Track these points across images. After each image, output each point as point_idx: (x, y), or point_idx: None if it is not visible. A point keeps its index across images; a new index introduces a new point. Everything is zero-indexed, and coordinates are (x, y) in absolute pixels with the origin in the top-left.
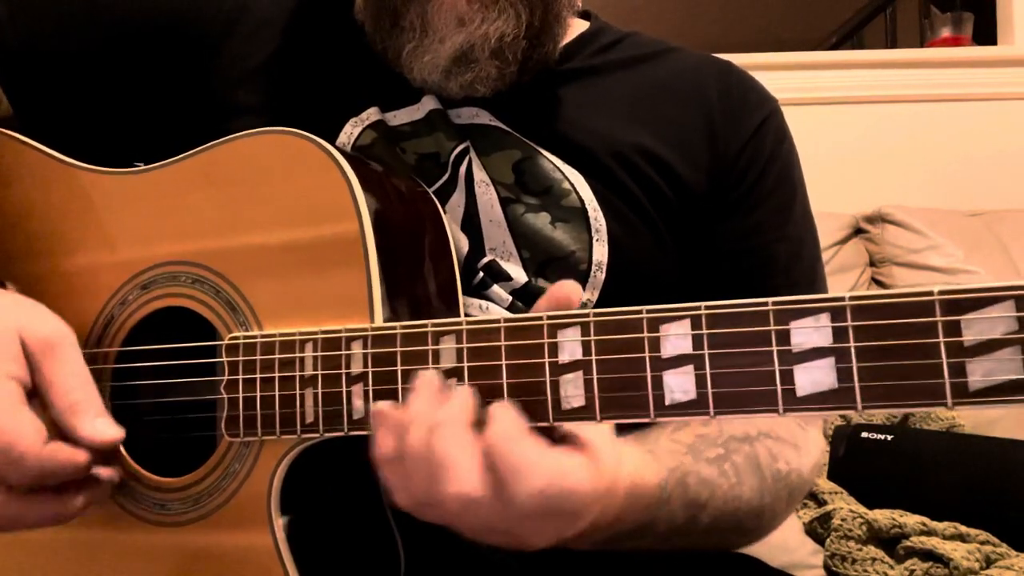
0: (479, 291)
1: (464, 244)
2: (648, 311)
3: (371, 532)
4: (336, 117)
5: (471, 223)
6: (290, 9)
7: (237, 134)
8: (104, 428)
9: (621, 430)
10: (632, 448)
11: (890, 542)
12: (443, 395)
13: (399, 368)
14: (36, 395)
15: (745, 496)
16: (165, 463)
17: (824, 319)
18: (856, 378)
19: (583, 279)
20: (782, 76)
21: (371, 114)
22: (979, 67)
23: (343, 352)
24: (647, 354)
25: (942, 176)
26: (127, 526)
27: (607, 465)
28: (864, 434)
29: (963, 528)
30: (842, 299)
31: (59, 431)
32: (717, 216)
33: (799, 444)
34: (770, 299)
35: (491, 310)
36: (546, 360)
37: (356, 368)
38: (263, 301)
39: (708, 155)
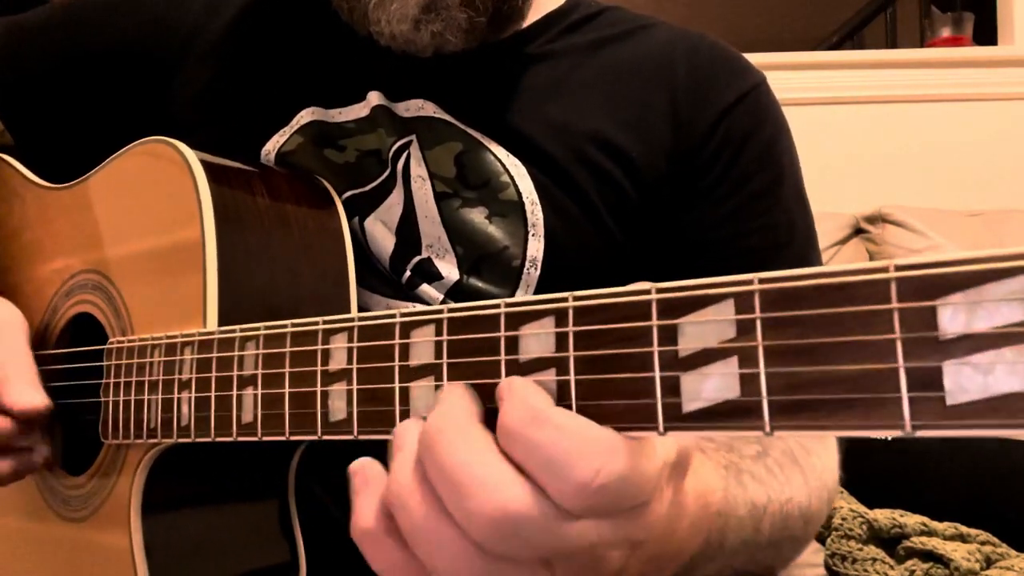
0: (408, 291)
1: (390, 244)
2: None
3: (263, 540)
4: (272, 126)
5: (408, 220)
6: (240, 21)
7: (129, 145)
8: (30, 396)
9: None
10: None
11: (890, 542)
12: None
13: (213, 375)
14: None
15: (796, 498)
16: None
17: (548, 323)
18: (573, 394)
19: (516, 276)
20: (782, 76)
21: (303, 116)
22: (979, 67)
23: (177, 358)
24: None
25: (942, 176)
26: (44, 518)
27: None
28: None
29: (963, 528)
30: (564, 300)
31: None
32: (686, 204)
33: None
34: (504, 300)
35: None
36: (396, 364)
37: (185, 374)
38: (136, 307)
39: (670, 137)
